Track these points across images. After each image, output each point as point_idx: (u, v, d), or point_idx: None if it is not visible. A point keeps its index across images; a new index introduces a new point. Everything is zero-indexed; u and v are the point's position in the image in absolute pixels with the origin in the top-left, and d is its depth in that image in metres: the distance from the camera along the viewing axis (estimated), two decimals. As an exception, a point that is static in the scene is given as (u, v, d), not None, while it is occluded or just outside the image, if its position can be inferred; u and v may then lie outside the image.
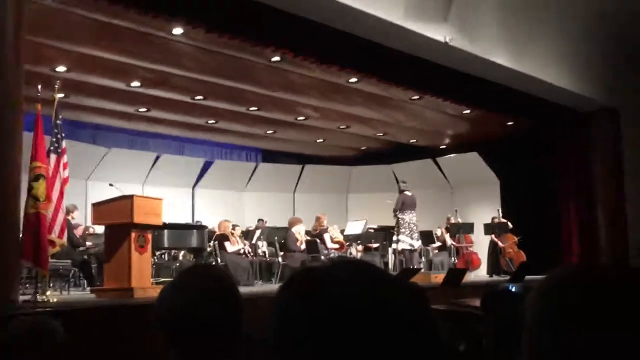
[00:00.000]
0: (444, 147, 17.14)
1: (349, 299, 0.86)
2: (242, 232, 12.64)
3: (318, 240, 12.26)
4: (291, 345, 0.88)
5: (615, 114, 13.02)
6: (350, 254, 13.48)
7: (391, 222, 12.53)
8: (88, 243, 10.39)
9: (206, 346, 1.58)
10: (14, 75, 5.74)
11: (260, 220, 14.50)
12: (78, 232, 10.46)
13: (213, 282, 1.65)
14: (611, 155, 13.14)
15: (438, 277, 10.71)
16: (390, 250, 13.27)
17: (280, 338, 0.90)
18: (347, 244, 13.34)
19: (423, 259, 13.49)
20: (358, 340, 0.85)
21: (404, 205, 11.99)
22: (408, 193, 12.15)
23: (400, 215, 11.98)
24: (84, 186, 13.56)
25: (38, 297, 6.35)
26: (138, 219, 7.43)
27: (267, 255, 12.74)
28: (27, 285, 8.04)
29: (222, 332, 1.60)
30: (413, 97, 12.52)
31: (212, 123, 14.30)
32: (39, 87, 6.74)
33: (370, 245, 13.48)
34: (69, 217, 9.89)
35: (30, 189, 6.27)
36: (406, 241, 11.92)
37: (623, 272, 0.94)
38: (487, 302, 3.25)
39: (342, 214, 16.60)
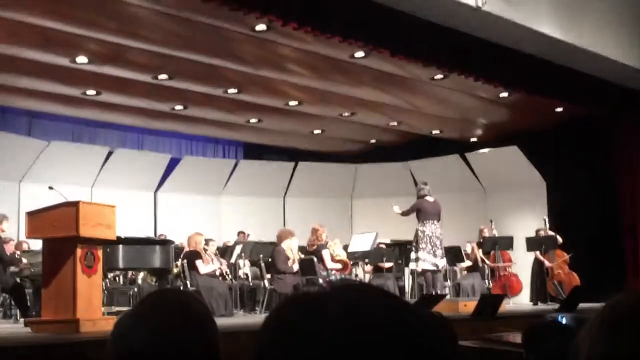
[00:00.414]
0: (475, 140, 17.15)
1: (353, 336, 0.86)
2: (218, 248, 12.63)
3: (315, 259, 12.25)
4: None
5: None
6: (356, 276, 13.47)
7: (409, 236, 12.53)
8: (25, 262, 10.37)
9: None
10: None
11: (241, 233, 14.50)
12: (9, 248, 10.45)
13: (181, 312, 1.65)
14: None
15: (468, 306, 10.70)
16: (407, 271, 13.26)
17: None
18: (352, 263, 13.32)
19: (449, 282, 13.48)
20: None
21: (422, 213, 11.96)
22: (429, 199, 12.14)
23: (420, 227, 11.97)
24: (16, 189, 13.56)
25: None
26: (85, 231, 7.42)
27: (249, 278, 12.73)
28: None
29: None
30: (436, 77, 12.51)
31: (180, 109, 14.29)
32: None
33: (381, 265, 13.47)
34: (-2, 230, 9.91)
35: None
36: (427, 259, 11.91)
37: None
38: (530, 337, 3.26)
39: (346, 225, 16.61)
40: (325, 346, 0.86)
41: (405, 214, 12.15)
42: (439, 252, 12.01)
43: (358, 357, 0.85)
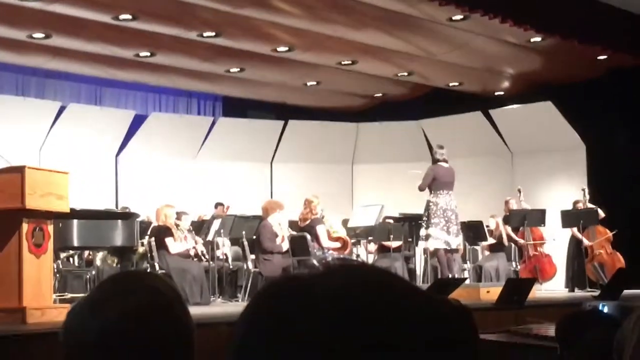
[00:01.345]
0: (500, 94, 17.15)
1: (350, 327, 0.86)
2: (193, 223, 12.65)
3: (308, 236, 12.29)
4: None
5: None
6: (358, 256, 13.52)
7: (420, 208, 12.55)
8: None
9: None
10: None
11: (219, 205, 14.52)
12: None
13: (148, 299, 1.65)
14: None
15: (491, 292, 10.76)
16: (418, 250, 13.31)
17: None
18: (353, 241, 13.37)
19: (468, 264, 13.53)
20: None
21: (436, 182, 11.95)
22: (444, 164, 12.12)
23: (431, 198, 11.96)
24: (-51, 153, 13.56)
25: None
26: (32, 202, 7.42)
27: (230, 260, 12.77)
28: None
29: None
30: (454, 17, 12.49)
31: (146, 56, 14.27)
32: None
33: (387, 243, 13.51)
34: None
35: None
36: (440, 237, 11.92)
37: None
38: (565, 330, 3.28)
39: (346, 196, 16.66)
40: (311, 342, 0.85)
41: (422, 187, 12.07)
42: (454, 227, 12.00)
43: (354, 348, 0.85)
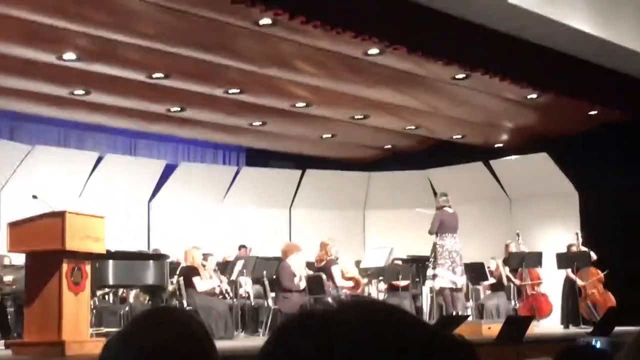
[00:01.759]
0: (500, 145, 17.14)
1: (362, 358, 0.86)
2: (218, 264, 12.63)
3: (324, 276, 12.25)
4: None
5: None
6: (369, 294, 13.46)
7: (427, 251, 12.52)
8: (7, 279, 10.38)
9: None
10: None
11: (242, 247, 14.50)
12: (-12, 263, 10.48)
13: (177, 333, 1.65)
14: None
15: (492, 328, 10.69)
16: (425, 289, 13.25)
17: None
18: (365, 280, 13.32)
19: (471, 302, 13.45)
20: None
21: (442, 226, 11.96)
22: (449, 210, 12.13)
23: (438, 241, 11.95)
24: (-4, 198, 13.61)
25: None
26: (72, 244, 7.43)
27: (252, 297, 12.73)
28: None
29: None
30: (458, 76, 12.52)
31: (177, 111, 14.33)
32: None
33: (397, 283, 13.46)
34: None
35: None
36: (446, 276, 11.89)
37: None
38: (561, 363, 3.25)
39: (358, 239, 16.61)
40: None
41: (431, 232, 12.09)
42: (459, 268, 11.99)
43: None
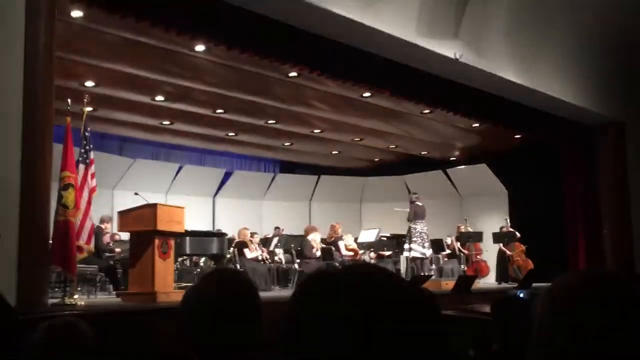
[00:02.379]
0: (454, 159, 17.09)
1: (361, 302, 0.86)
2: (260, 239, 12.65)
3: (333, 248, 12.25)
4: (302, 346, 0.88)
5: (621, 127, 12.91)
6: (364, 260, 13.45)
7: (403, 231, 12.50)
8: (116, 250, 10.44)
9: (227, 348, 1.58)
10: (45, 91, 5.81)
11: (277, 228, 14.52)
12: (105, 239, 10.52)
13: (234, 286, 1.65)
14: (617, 168, 13.01)
15: (448, 284, 10.66)
16: (402, 258, 13.24)
17: (292, 338, 0.89)
18: (361, 251, 13.31)
19: (434, 266, 13.43)
20: (368, 343, 0.84)
21: (415, 215, 11.99)
22: (419, 203, 12.14)
23: (412, 225, 11.98)
24: (110, 195, 13.65)
25: (66, 300, 6.39)
26: (161, 226, 7.47)
27: (283, 262, 12.75)
28: (56, 289, 8.09)
29: (242, 334, 1.60)
30: (424, 111, 12.50)
31: (232, 135, 14.35)
32: (69, 101, 6.82)
33: (383, 253, 13.44)
34: (103, 226, 9.99)
35: (60, 197, 6.33)
36: (418, 250, 11.88)
37: (623, 277, 0.93)
38: (497, 307, 3.24)
39: (356, 223, 16.58)
40: (338, 309, 0.86)
41: (409, 219, 12.13)
42: (427, 244, 12.04)
43: (363, 316, 0.85)
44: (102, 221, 10.09)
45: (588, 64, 11.68)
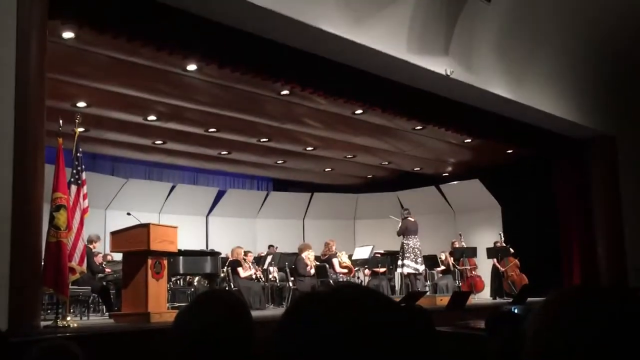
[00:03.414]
0: (446, 174, 17.12)
1: (351, 321, 0.86)
2: (254, 258, 12.61)
3: (327, 265, 12.22)
4: None
5: (611, 140, 13.00)
6: (358, 278, 13.42)
7: (397, 247, 12.49)
8: (107, 270, 10.38)
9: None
10: (37, 111, 5.80)
11: (271, 246, 14.48)
12: (97, 259, 10.47)
13: (227, 307, 1.64)
14: (609, 181, 13.08)
15: (443, 300, 10.63)
16: (396, 274, 13.21)
17: (282, 357, 0.89)
18: (356, 269, 13.28)
19: (428, 282, 13.40)
20: None
21: (408, 230, 11.98)
22: (411, 219, 12.15)
23: (404, 241, 11.98)
24: (102, 215, 13.61)
25: (59, 322, 6.35)
26: (154, 246, 7.44)
27: (278, 280, 12.69)
28: (49, 311, 8.04)
29: (235, 354, 1.59)
30: (416, 127, 12.54)
31: (225, 154, 14.34)
32: (60, 121, 6.81)
33: (377, 269, 13.42)
34: (91, 247, 9.93)
35: (51, 218, 6.30)
36: (411, 265, 11.87)
37: (617, 292, 0.94)
38: (491, 323, 3.23)
39: (350, 240, 16.56)
40: (326, 328, 0.86)
41: (399, 234, 12.14)
42: (420, 259, 12.03)
43: (353, 339, 0.84)
44: (90, 241, 10.02)
45: (577, 79, 11.77)
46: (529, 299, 10.31)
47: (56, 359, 2.30)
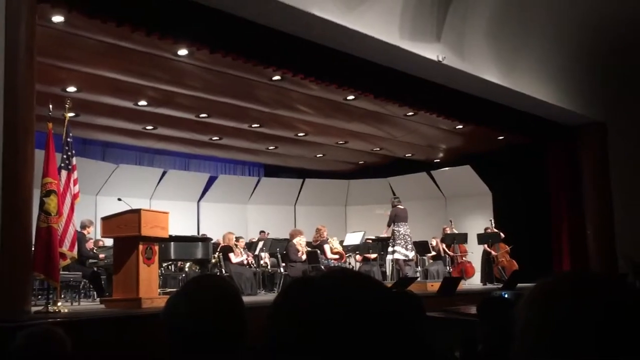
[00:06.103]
0: (438, 160, 17.15)
1: (340, 305, 0.86)
2: (246, 243, 12.61)
3: (318, 251, 12.22)
4: (285, 349, 0.88)
5: (603, 128, 13.05)
6: (349, 264, 13.44)
7: (387, 234, 12.52)
8: (101, 255, 10.36)
9: (211, 353, 1.57)
10: (26, 96, 5.76)
11: (262, 232, 14.49)
12: (89, 245, 10.44)
13: (218, 292, 1.64)
14: (599, 167, 13.15)
15: (434, 286, 10.68)
16: (387, 260, 13.25)
17: (276, 341, 0.89)
18: (347, 254, 13.30)
19: (419, 268, 13.45)
20: (350, 345, 0.84)
21: (398, 218, 12.01)
22: (400, 207, 12.16)
23: (395, 228, 12.00)
24: (93, 201, 13.57)
25: (49, 308, 6.35)
26: (145, 231, 7.42)
27: (269, 266, 12.71)
28: (39, 297, 8.02)
29: (226, 339, 1.59)
30: (408, 114, 12.54)
31: (216, 139, 14.31)
32: (50, 106, 6.76)
33: (368, 255, 13.43)
34: (85, 232, 9.90)
35: (42, 204, 6.28)
36: (401, 252, 11.90)
37: (607, 279, 0.94)
38: (482, 309, 3.25)
39: (342, 226, 16.59)
40: (315, 310, 0.86)
41: (389, 224, 12.16)
42: (410, 246, 12.06)
43: (343, 318, 0.85)
44: (83, 226, 9.99)
45: (569, 65, 11.79)
46: (519, 284, 10.39)
47: (42, 345, 2.29)
